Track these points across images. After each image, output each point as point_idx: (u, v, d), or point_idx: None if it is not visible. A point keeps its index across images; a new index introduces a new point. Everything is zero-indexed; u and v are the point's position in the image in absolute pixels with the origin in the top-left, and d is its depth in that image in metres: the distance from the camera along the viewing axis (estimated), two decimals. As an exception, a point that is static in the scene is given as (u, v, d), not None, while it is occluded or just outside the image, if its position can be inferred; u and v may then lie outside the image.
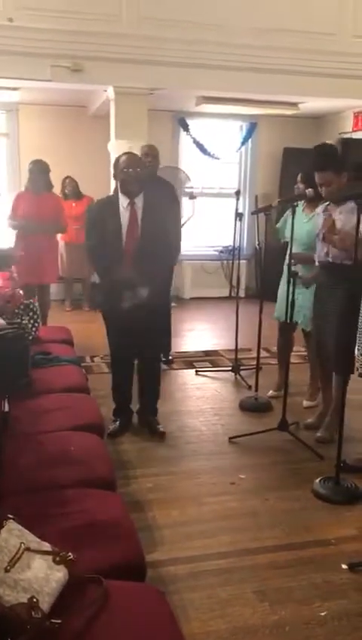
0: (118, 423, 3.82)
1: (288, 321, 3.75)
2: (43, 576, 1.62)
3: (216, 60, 5.68)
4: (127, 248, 3.50)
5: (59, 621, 1.53)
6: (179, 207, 5.14)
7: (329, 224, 3.31)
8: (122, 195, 3.53)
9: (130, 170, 3.47)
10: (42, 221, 5.41)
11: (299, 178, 4.21)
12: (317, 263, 3.59)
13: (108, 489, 2.36)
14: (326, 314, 3.56)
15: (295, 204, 3.76)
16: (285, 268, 4.33)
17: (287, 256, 4.22)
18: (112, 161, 5.86)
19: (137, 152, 4.89)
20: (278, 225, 4.38)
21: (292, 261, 3.76)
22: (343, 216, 3.36)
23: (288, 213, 4.08)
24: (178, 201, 5.15)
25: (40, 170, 5.45)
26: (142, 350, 3.78)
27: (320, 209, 3.61)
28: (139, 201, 3.52)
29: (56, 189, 7.05)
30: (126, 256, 3.50)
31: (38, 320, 4.25)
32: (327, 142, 3.67)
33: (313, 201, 3.91)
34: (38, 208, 5.37)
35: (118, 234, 3.49)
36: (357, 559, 2.55)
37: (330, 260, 3.45)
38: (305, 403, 4.34)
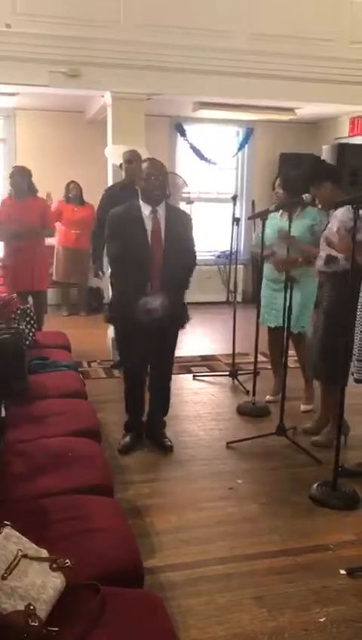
0: (128, 437, 3.68)
1: (283, 325, 3.77)
2: (40, 583, 1.61)
3: (213, 66, 5.69)
4: (154, 259, 3.39)
5: (56, 629, 1.52)
6: None
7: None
8: (143, 203, 3.42)
9: (153, 177, 3.38)
10: (29, 226, 5.37)
11: (277, 183, 4.25)
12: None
13: (106, 495, 2.35)
14: (314, 320, 3.64)
15: (272, 211, 3.88)
16: (265, 271, 4.35)
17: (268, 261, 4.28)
18: (109, 166, 5.92)
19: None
20: (256, 236, 4.46)
21: (281, 266, 3.82)
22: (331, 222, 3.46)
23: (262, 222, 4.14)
24: None
25: (21, 175, 5.42)
26: (155, 364, 3.67)
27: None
28: (161, 210, 3.43)
29: (60, 194, 7.10)
30: (153, 266, 3.39)
31: (35, 325, 4.24)
32: (314, 154, 3.79)
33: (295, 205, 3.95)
34: (23, 214, 5.31)
35: (145, 244, 3.37)
36: (356, 564, 2.54)
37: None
38: (303, 407, 4.34)
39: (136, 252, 3.38)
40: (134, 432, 3.72)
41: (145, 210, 3.41)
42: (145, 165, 3.48)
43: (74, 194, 7.24)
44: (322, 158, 6.43)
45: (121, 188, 4.80)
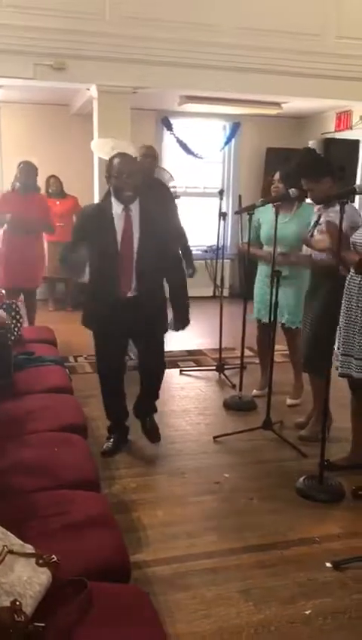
0: (111, 440, 3.59)
1: (269, 321, 3.76)
2: (26, 579, 1.60)
3: (199, 60, 5.67)
4: (124, 260, 3.24)
5: (42, 625, 1.51)
6: (176, 208, 5.03)
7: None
8: (115, 201, 3.25)
9: (125, 175, 3.18)
10: (30, 222, 5.35)
11: (276, 177, 4.15)
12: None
13: (92, 490, 2.34)
14: (306, 315, 3.63)
15: (259, 206, 3.83)
16: (260, 268, 4.34)
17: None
18: (95, 160, 5.89)
19: (129, 152, 4.87)
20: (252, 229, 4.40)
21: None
22: (325, 219, 3.42)
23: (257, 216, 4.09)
24: (175, 202, 5.08)
25: (32, 170, 5.46)
26: (144, 360, 3.59)
27: (316, 209, 3.64)
28: (134, 208, 3.24)
29: (40, 188, 7.05)
30: (122, 268, 3.24)
31: (21, 320, 4.21)
32: (308, 146, 3.62)
33: (289, 201, 3.90)
34: (25, 209, 5.31)
35: (112, 245, 3.21)
36: (341, 557, 2.56)
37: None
38: (289, 401, 4.35)
39: (104, 255, 3.24)
40: (117, 434, 3.63)
41: (117, 208, 3.25)
42: (116, 161, 3.26)
43: (54, 189, 7.26)
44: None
45: None
